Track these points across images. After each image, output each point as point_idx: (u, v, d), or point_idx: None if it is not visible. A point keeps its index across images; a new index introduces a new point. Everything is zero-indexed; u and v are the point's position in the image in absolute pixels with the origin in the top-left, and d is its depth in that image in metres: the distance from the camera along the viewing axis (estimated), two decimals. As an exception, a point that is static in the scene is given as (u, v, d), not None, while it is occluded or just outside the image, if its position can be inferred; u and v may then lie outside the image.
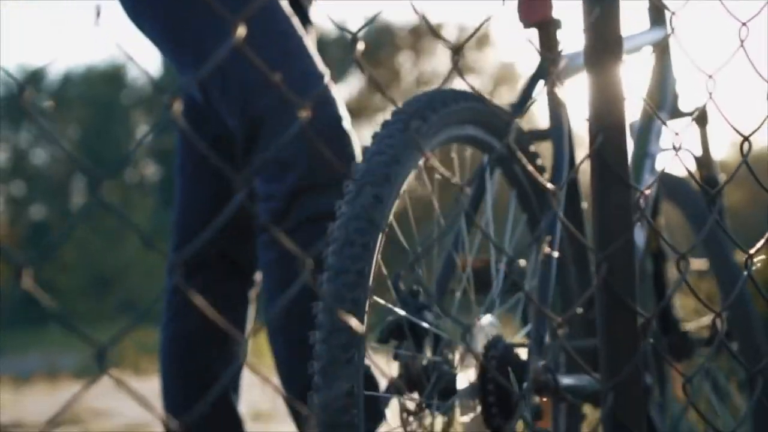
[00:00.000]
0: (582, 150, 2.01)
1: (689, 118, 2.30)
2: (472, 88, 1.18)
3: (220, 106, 1.95)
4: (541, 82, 1.91)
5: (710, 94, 1.43)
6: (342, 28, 1.14)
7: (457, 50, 1.12)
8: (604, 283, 1.25)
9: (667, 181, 2.39)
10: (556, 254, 1.64)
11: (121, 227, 30.79)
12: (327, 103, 1.91)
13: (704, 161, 2.42)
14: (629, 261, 1.26)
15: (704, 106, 2.28)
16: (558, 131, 1.88)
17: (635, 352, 1.26)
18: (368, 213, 1.39)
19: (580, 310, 1.65)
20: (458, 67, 1.13)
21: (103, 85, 37.06)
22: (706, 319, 2.58)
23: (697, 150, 2.42)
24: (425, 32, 29.09)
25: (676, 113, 2.37)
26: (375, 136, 1.49)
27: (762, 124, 1.52)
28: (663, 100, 2.34)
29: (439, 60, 30.22)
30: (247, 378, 2.27)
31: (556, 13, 1.94)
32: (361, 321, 1.36)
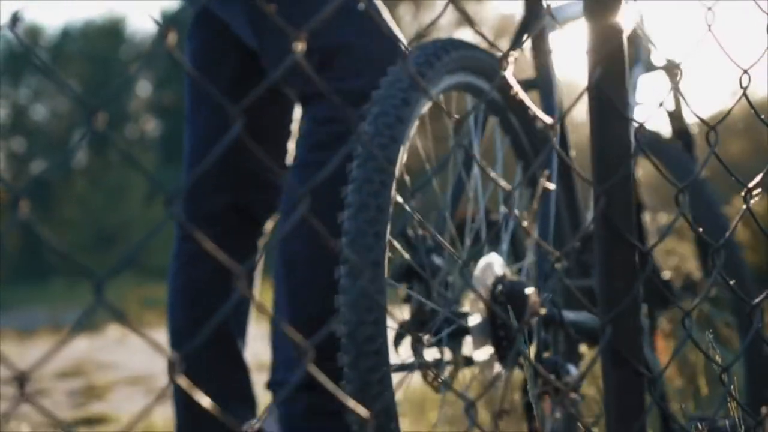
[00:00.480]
0: (567, 101, 2.07)
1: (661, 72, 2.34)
2: (468, 19, 1.17)
3: (275, 40, 1.93)
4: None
5: (709, 26, 1.42)
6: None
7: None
8: (602, 217, 1.25)
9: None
10: (552, 186, 1.69)
11: (122, 183, 30.79)
12: (393, 37, 1.91)
13: (676, 114, 2.47)
14: (628, 194, 1.26)
15: (675, 60, 2.32)
16: (545, 80, 1.94)
17: (633, 285, 1.26)
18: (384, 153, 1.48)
19: (577, 244, 1.69)
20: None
21: (101, 40, 36.89)
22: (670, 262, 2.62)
23: (669, 104, 2.48)
24: (425, -16, 28.90)
25: (650, 67, 2.40)
26: (383, 84, 1.54)
27: (762, 56, 1.51)
28: (637, 55, 2.36)
29: (439, 12, 29.95)
30: (251, 330, 2.27)
31: None
32: (383, 238, 1.44)
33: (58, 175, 30.94)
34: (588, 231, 1.81)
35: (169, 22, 0.96)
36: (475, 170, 1.82)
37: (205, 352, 2.06)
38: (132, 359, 6.27)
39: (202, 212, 2.12)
